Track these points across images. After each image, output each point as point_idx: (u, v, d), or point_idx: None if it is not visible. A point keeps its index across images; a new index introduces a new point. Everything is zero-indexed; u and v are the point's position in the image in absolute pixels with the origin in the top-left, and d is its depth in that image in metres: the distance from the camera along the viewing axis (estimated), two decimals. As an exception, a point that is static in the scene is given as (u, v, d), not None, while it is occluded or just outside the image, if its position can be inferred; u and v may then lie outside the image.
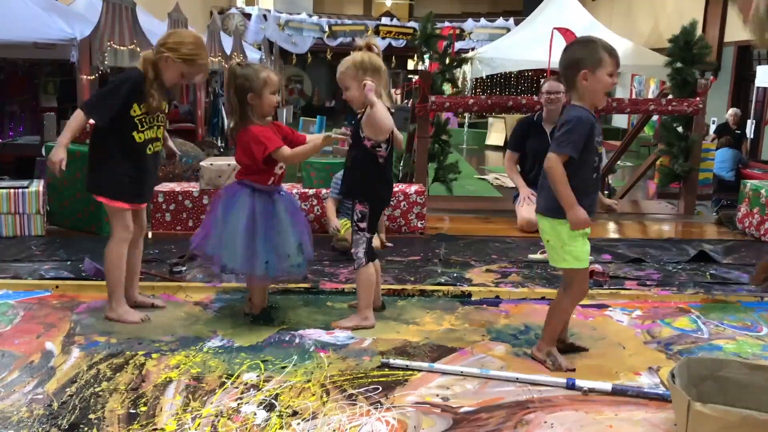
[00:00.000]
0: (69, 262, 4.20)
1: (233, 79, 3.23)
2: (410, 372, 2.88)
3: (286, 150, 3.22)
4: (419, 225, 5.16)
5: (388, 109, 3.24)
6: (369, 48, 3.31)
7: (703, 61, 6.36)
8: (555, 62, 8.86)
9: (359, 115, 3.28)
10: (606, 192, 8.45)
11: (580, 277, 2.97)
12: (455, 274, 4.16)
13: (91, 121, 3.28)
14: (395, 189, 5.28)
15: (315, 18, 20.74)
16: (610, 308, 3.72)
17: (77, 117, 3.22)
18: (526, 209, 5.15)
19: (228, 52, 11.75)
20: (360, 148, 3.27)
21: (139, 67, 3.27)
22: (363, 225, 3.33)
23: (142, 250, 3.60)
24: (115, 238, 3.35)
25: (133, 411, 2.52)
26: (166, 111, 3.42)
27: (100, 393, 2.65)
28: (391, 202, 5.10)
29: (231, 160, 5.22)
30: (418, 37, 6.91)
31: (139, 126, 3.27)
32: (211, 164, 5.12)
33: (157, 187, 5.16)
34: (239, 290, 3.77)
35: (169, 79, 3.30)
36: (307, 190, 5.12)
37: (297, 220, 3.40)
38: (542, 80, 6.44)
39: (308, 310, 3.59)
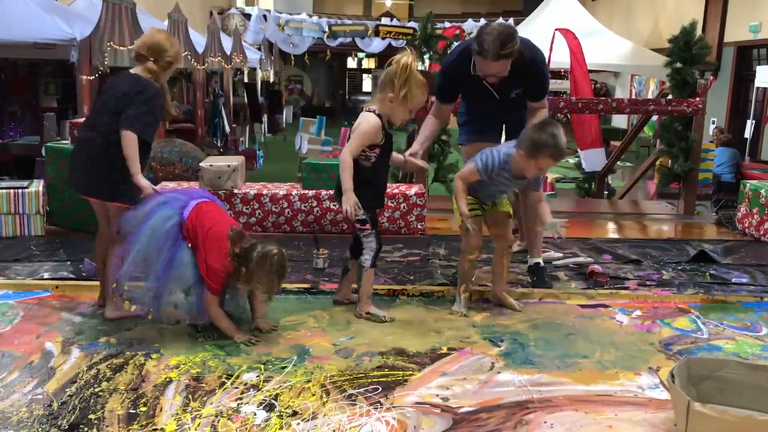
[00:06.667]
0: (69, 262, 4.21)
1: (266, 265, 3.08)
2: (410, 372, 2.88)
3: (213, 299, 3.13)
4: (419, 226, 5.16)
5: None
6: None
7: (703, 61, 6.36)
8: (555, 62, 8.91)
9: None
10: (606, 192, 8.48)
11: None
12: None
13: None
14: (395, 190, 5.28)
15: (315, 18, 20.70)
16: (610, 308, 3.72)
17: (134, 141, 3.23)
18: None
19: (228, 52, 11.73)
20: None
21: (151, 78, 3.36)
22: (363, 226, 3.40)
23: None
24: (115, 240, 3.39)
25: (133, 411, 2.52)
26: None
27: (100, 393, 2.65)
28: (391, 204, 5.12)
29: (231, 161, 5.23)
30: (417, 38, 6.91)
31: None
32: (211, 165, 5.12)
33: (157, 188, 5.15)
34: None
35: (162, 80, 3.42)
36: (306, 191, 5.12)
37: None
38: None
39: (308, 310, 3.59)
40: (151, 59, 3.37)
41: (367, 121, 3.33)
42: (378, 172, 3.43)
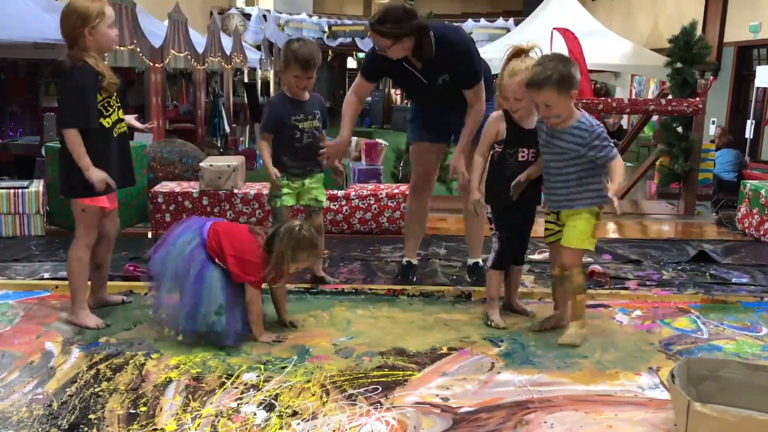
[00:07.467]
0: (69, 263, 4.20)
1: (296, 239, 3.11)
2: (410, 372, 2.88)
3: (255, 292, 3.15)
4: (419, 225, 5.16)
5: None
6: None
7: (703, 61, 6.38)
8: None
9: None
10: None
11: None
12: (455, 275, 4.16)
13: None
14: (395, 190, 5.28)
15: (315, 18, 20.73)
16: (610, 308, 3.72)
17: (76, 137, 3.16)
18: None
19: (228, 52, 11.72)
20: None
21: (76, 62, 3.34)
22: (490, 225, 3.39)
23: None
24: (79, 243, 3.31)
25: (133, 411, 2.52)
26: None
27: (100, 393, 2.65)
28: (391, 204, 5.12)
29: (231, 161, 5.23)
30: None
31: (104, 111, 3.26)
32: (211, 165, 5.12)
33: (157, 188, 5.16)
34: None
35: (105, 46, 3.34)
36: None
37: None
38: None
39: (308, 310, 3.59)
40: (69, 46, 3.30)
41: (489, 117, 3.36)
42: (502, 168, 3.31)
